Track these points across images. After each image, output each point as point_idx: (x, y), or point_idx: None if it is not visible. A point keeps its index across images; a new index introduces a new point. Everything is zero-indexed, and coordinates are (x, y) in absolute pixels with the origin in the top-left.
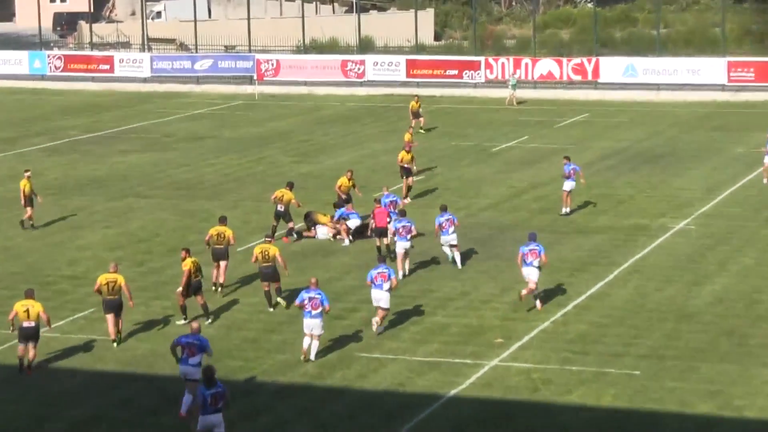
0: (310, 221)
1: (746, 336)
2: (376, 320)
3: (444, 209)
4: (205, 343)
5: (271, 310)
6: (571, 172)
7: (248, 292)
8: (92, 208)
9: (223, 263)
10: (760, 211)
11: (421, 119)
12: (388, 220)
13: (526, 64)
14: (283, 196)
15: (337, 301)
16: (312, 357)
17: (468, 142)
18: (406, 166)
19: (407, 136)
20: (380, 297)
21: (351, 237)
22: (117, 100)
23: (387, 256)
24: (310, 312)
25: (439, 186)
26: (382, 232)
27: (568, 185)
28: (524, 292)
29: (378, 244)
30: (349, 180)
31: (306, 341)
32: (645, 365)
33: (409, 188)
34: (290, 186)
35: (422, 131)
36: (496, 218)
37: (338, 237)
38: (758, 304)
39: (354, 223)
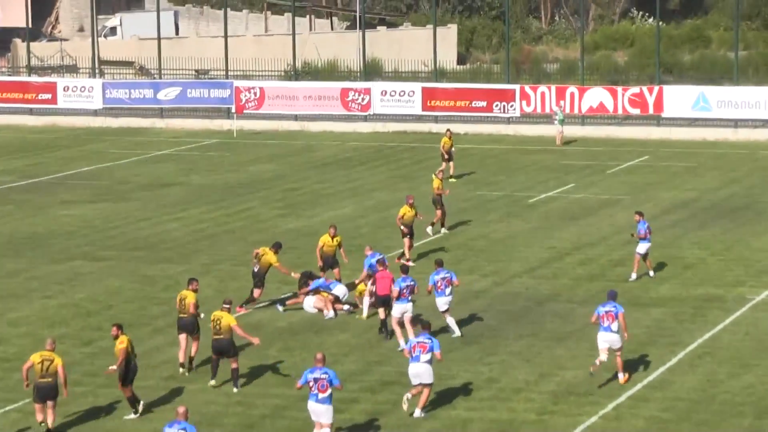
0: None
1: None
2: (408, 396)
3: (440, 264)
4: None
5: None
6: (647, 231)
7: (225, 377)
8: (30, 273)
9: (185, 337)
10: None
11: (452, 163)
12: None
13: (572, 94)
14: (263, 255)
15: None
16: None
17: (498, 192)
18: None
19: (436, 183)
20: (419, 371)
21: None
22: (60, 138)
23: (387, 334)
24: (316, 395)
25: (462, 246)
26: (385, 302)
27: (642, 247)
28: (596, 363)
29: (382, 317)
30: (332, 238)
31: None
32: None
33: (410, 249)
34: (276, 247)
35: (453, 179)
36: (533, 287)
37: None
38: None
39: (341, 290)
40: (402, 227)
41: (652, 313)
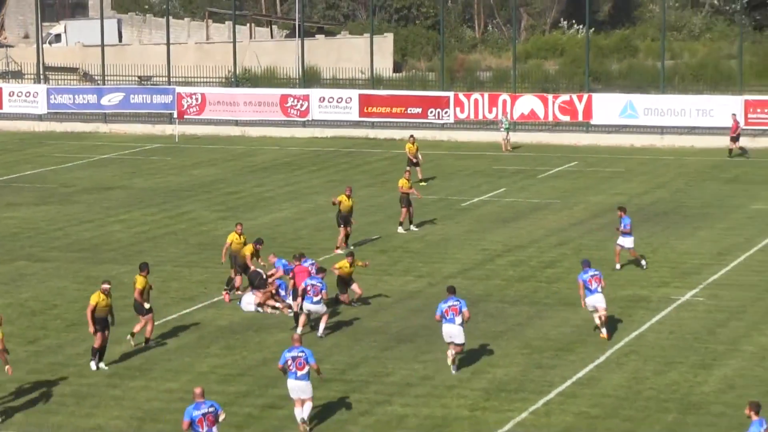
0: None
1: None
2: (451, 353)
3: (452, 292)
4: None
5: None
6: (629, 226)
7: (165, 376)
8: None
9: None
10: None
11: (418, 168)
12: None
13: (504, 102)
14: (232, 243)
15: (272, 387)
16: (305, 416)
17: (433, 196)
18: (344, 214)
19: (402, 182)
20: (452, 332)
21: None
22: (5, 142)
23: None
24: (295, 373)
25: (398, 248)
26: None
27: (626, 241)
28: (598, 323)
29: (296, 309)
30: (240, 235)
31: (298, 412)
32: None
33: (347, 236)
34: (256, 242)
35: (423, 183)
36: (466, 287)
37: (267, 309)
38: None
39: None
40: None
41: (581, 312)
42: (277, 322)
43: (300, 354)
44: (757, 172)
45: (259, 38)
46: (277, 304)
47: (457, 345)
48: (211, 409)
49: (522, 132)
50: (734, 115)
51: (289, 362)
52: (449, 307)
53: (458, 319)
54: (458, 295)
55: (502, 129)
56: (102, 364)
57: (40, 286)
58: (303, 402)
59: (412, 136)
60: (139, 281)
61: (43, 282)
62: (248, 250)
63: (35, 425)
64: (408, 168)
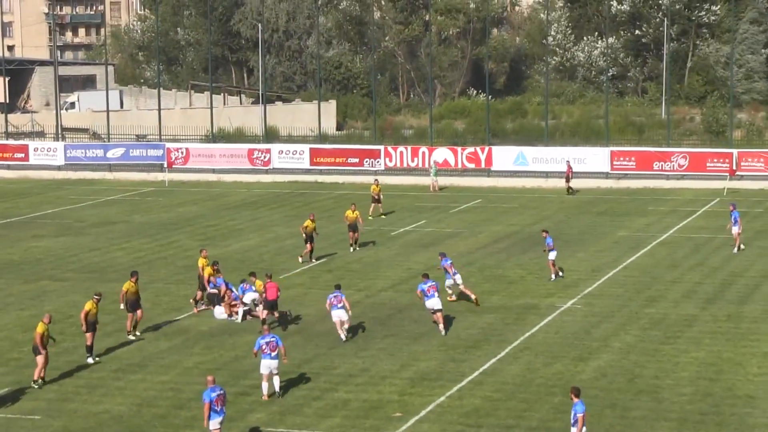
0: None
1: (628, 409)
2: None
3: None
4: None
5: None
6: (553, 245)
7: (158, 370)
8: (7, 291)
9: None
10: (640, 291)
11: (380, 204)
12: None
13: (423, 153)
14: (202, 268)
15: (243, 378)
16: (278, 389)
17: (368, 227)
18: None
19: (349, 213)
20: (434, 304)
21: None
22: (31, 187)
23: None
24: (269, 354)
25: (341, 268)
26: (272, 306)
27: (552, 255)
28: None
29: (263, 316)
30: (134, 284)
31: (264, 386)
32: None
33: (311, 252)
34: (213, 263)
35: (383, 216)
36: (395, 298)
37: (234, 315)
38: (639, 379)
39: (250, 297)
40: (303, 234)
41: (485, 318)
42: (247, 327)
43: (272, 339)
44: (621, 207)
45: (231, 104)
46: (239, 311)
47: (437, 311)
48: (221, 392)
49: (438, 176)
50: (568, 161)
51: (264, 346)
52: (429, 287)
53: (436, 294)
54: (389, 305)
55: (432, 174)
56: (90, 359)
57: (59, 300)
58: (273, 376)
59: (376, 179)
60: (128, 285)
61: (62, 297)
62: (208, 271)
63: (56, 410)
64: (371, 206)
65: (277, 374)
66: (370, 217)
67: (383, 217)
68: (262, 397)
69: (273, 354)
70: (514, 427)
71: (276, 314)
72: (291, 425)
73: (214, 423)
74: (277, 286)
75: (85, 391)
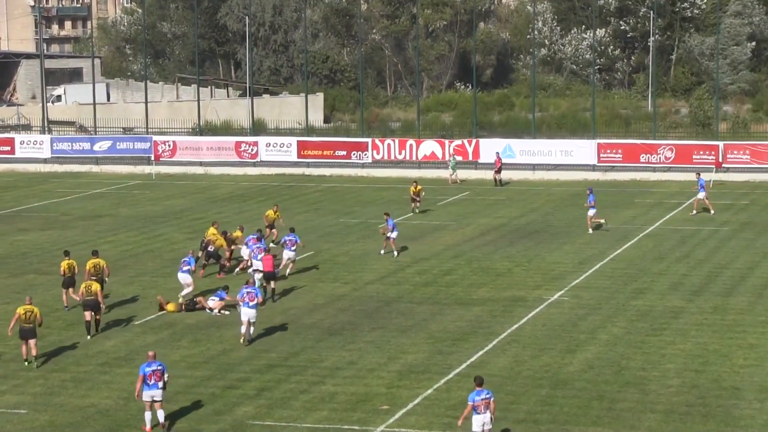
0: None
1: (615, 401)
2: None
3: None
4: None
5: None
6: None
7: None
8: None
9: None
10: (627, 283)
11: (419, 202)
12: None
13: (411, 146)
14: (216, 240)
15: (230, 372)
16: (251, 334)
17: (355, 220)
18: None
19: (270, 213)
20: (248, 314)
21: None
22: (17, 180)
23: (268, 299)
24: (248, 303)
25: (328, 261)
26: (269, 277)
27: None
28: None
29: (265, 285)
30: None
31: (243, 328)
32: (521, 429)
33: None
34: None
35: (416, 211)
36: (382, 291)
37: (222, 312)
38: (626, 371)
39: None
40: (266, 223)
41: (473, 310)
42: (233, 322)
43: (252, 290)
44: (608, 199)
45: (218, 97)
46: (226, 312)
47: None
48: (158, 368)
49: (425, 169)
50: (498, 153)
51: (245, 296)
52: (247, 293)
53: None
54: (376, 297)
55: (450, 167)
56: (89, 337)
57: (46, 294)
58: (250, 324)
59: (415, 181)
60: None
61: (48, 291)
62: (222, 242)
63: (42, 404)
64: (411, 204)
65: (254, 323)
66: (416, 211)
67: (416, 212)
68: (240, 340)
69: (251, 303)
70: (501, 419)
71: (273, 285)
72: (278, 418)
73: (147, 395)
74: (272, 258)
75: (72, 385)
